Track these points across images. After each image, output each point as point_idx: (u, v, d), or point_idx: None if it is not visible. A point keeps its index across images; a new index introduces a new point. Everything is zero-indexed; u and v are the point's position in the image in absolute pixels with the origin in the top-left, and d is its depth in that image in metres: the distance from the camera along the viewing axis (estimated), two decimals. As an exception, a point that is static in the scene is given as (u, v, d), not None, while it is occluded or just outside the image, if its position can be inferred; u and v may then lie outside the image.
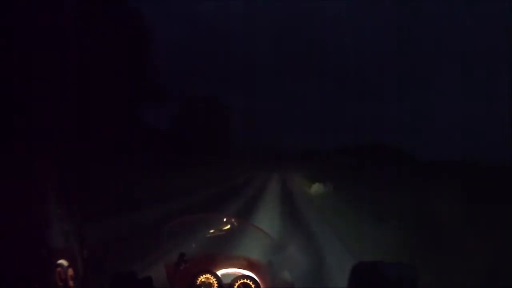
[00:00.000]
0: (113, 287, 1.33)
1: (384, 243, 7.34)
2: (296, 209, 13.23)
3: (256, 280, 1.62)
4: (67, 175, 1.27)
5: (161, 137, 24.44)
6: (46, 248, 1.16)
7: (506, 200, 8.88)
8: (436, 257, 5.88)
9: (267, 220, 9.98)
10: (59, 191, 1.22)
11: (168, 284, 1.54)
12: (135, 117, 21.17)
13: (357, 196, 13.97)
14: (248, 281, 1.61)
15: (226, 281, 1.65)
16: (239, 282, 1.62)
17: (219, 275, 1.66)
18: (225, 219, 1.82)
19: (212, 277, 1.63)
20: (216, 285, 1.62)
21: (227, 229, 1.79)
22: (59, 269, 1.18)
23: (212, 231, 1.81)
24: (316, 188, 20.52)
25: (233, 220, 1.81)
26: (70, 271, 1.21)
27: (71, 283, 1.21)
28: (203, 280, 1.63)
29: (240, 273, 1.68)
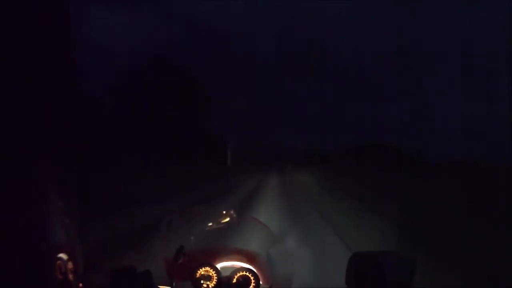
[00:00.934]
0: (113, 281, 1.34)
1: (384, 241, 7.37)
2: (296, 207, 13.25)
3: (255, 273, 1.64)
4: (66, 174, 1.27)
5: (161, 137, 24.42)
6: (45, 243, 1.17)
7: (507, 200, 8.88)
8: (435, 256, 5.88)
9: (266, 218, 10.00)
10: (59, 188, 1.23)
11: (167, 277, 1.55)
12: (134, 117, 21.16)
13: (357, 195, 13.97)
14: (248, 274, 1.63)
15: (226, 273, 1.66)
16: (238, 274, 1.63)
17: (219, 268, 1.67)
18: (224, 212, 1.83)
19: (211, 270, 1.64)
20: (216, 278, 1.63)
21: (226, 222, 1.80)
22: (59, 262, 1.20)
23: (211, 224, 1.82)
24: (316, 187, 20.59)
25: (232, 213, 1.82)
26: (70, 265, 1.23)
27: (71, 276, 1.23)
28: (202, 273, 1.64)
29: (239, 266, 1.70)
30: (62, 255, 1.21)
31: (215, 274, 1.64)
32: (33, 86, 1.18)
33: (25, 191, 1.12)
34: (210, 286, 1.61)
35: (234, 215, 1.82)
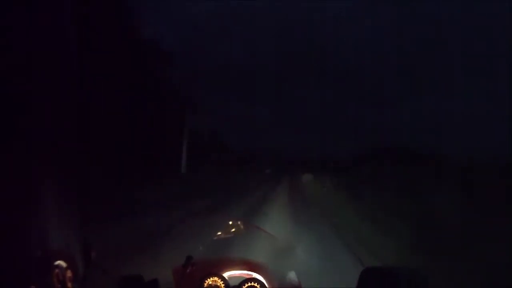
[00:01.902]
0: None
1: (390, 247, 7.27)
2: (302, 212, 13.17)
3: (264, 283, 1.63)
4: (67, 175, 1.26)
5: (166, 139, 24.40)
6: (43, 249, 1.14)
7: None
8: (438, 257, 5.86)
9: (273, 222, 9.95)
10: (59, 191, 1.22)
11: (174, 286, 1.55)
12: (136, 118, 21.14)
13: (361, 197, 13.88)
14: (255, 284, 1.62)
15: (233, 283, 1.66)
16: (246, 285, 1.62)
17: (226, 278, 1.67)
18: (231, 222, 1.84)
19: (219, 280, 1.64)
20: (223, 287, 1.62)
21: (234, 231, 1.81)
22: (57, 270, 1.16)
23: (218, 234, 1.83)
24: (320, 189, 20.46)
25: (239, 223, 1.83)
26: (69, 273, 1.20)
27: (69, 284, 1.19)
28: (210, 283, 1.63)
29: (247, 275, 1.70)
30: (61, 263, 1.18)
31: (223, 284, 1.64)
32: (33, 86, 1.17)
33: (23, 193, 1.11)
34: None
35: (241, 225, 1.83)
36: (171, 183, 18.92)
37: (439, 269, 5.47)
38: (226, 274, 1.70)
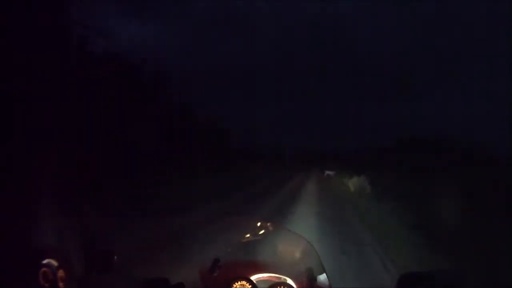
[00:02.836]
0: None
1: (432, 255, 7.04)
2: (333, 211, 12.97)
3: (293, 287, 1.59)
4: (66, 175, 1.26)
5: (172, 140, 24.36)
6: (29, 248, 1.12)
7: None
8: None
9: (302, 221, 9.83)
10: (57, 192, 1.21)
11: None
12: (137, 118, 21.13)
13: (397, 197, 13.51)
14: None
15: (262, 287, 1.62)
16: None
17: (255, 282, 1.63)
18: (259, 224, 1.79)
19: (247, 284, 1.59)
20: None
21: (262, 233, 1.76)
22: (44, 269, 1.12)
23: (247, 236, 1.78)
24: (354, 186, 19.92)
25: (268, 224, 1.78)
26: (61, 272, 1.16)
27: (61, 284, 1.16)
28: (238, 286, 1.59)
29: (276, 279, 1.65)
30: (51, 261, 1.15)
31: None
32: (33, 86, 1.17)
33: (19, 193, 1.11)
34: None
35: (270, 227, 1.78)
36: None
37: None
38: (254, 278, 1.65)
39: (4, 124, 1.07)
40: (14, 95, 1.12)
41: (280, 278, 1.65)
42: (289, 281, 1.62)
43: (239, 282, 1.59)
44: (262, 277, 1.68)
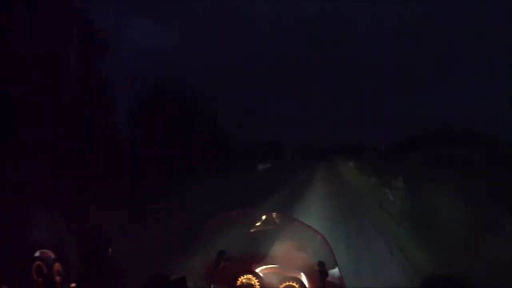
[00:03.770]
0: (148, 287, 1.29)
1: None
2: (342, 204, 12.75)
3: (303, 283, 1.52)
4: (66, 173, 1.26)
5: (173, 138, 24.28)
6: (21, 242, 1.12)
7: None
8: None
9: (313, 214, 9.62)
10: (56, 189, 1.21)
11: (205, 284, 1.47)
12: (136, 117, 21.11)
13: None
14: (294, 284, 1.52)
15: (270, 281, 1.56)
16: (283, 285, 1.52)
17: (262, 276, 1.57)
18: (267, 216, 1.72)
19: (254, 278, 1.54)
20: (258, 286, 1.53)
21: (270, 226, 1.70)
22: (38, 262, 1.12)
23: (254, 228, 1.72)
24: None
25: (275, 216, 1.71)
26: (57, 266, 1.16)
27: (58, 278, 1.16)
28: (244, 281, 1.54)
29: (284, 274, 1.58)
30: (47, 253, 1.15)
31: (258, 283, 1.53)
32: (33, 86, 1.18)
33: (19, 190, 1.11)
34: None
35: (278, 219, 1.72)
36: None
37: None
38: (261, 271, 1.59)
39: (4, 124, 1.08)
40: (14, 95, 1.12)
41: (289, 271, 1.59)
42: (299, 275, 1.56)
43: (245, 276, 1.54)
44: (269, 270, 1.64)
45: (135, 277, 1.38)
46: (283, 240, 1.66)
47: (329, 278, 1.49)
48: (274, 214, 1.72)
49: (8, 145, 1.06)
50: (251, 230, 1.71)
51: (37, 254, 1.11)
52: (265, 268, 1.62)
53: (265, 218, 1.73)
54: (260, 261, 1.62)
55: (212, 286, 1.44)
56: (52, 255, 1.14)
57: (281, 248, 1.66)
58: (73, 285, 1.22)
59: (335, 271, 1.55)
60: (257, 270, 1.56)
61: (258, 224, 1.72)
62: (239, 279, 1.53)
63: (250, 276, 1.54)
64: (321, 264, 1.51)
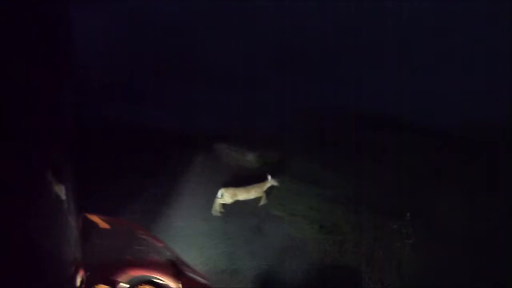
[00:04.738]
0: None
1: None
2: None
3: (160, 284, 1.60)
4: (66, 171, 1.26)
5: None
6: (49, 241, 1.16)
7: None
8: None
9: None
10: (59, 185, 1.22)
11: None
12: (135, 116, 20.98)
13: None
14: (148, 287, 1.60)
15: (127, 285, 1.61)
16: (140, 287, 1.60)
17: (120, 283, 1.61)
18: (120, 225, 1.76)
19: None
20: None
21: (126, 233, 1.74)
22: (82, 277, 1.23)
23: (107, 236, 1.75)
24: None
25: (126, 227, 1.76)
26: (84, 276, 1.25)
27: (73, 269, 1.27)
28: None
29: (142, 277, 1.66)
30: (68, 251, 1.22)
31: None
32: (33, 85, 1.18)
33: (25, 190, 1.12)
34: None
35: (129, 230, 1.77)
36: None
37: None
38: (121, 278, 1.64)
39: (4, 123, 1.08)
40: (14, 94, 1.13)
41: (148, 273, 1.66)
42: (157, 279, 1.64)
43: (98, 286, 1.57)
44: (130, 276, 1.67)
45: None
46: (135, 247, 1.70)
47: (191, 275, 1.56)
48: (125, 226, 1.75)
49: (8, 144, 1.06)
50: (105, 238, 1.72)
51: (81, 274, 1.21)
52: (124, 274, 1.67)
53: (117, 228, 1.78)
54: (119, 268, 1.66)
55: None
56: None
57: (134, 252, 1.69)
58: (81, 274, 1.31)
59: (195, 270, 1.70)
60: (115, 277, 1.60)
61: (112, 232, 1.75)
62: None
63: (103, 286, 1.58)
64: (172, 263, 1.63)
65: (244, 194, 5.43)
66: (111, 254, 1.73)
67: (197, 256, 4.19)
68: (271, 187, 5.77)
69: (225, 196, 5.20)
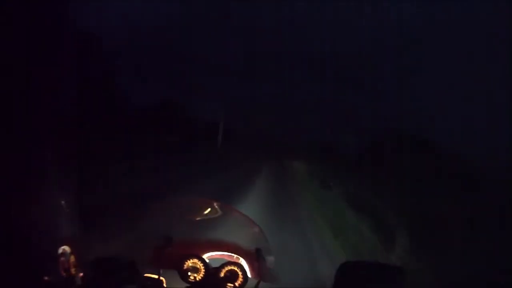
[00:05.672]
0: (96, 271, 1.30)
1: (377, 237, 7.23)
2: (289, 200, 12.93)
3: (243, 267, 1.61)
4: (67, 169, 1.27)
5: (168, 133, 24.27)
6: (48, 238, 1.15)
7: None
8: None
9: (257, 208, 9.77)
10: (60, 184, 1.23)
11: (152, 268, 1.51)
12: (135, 111, 21.11)
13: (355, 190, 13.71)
14: (235, 268, 1.59)
15: (214, 266, 1.63)
16: (226, 268, 1.60)
17: (207, 260, 1.64)
18: (212, 204, 1.82)
19: (199, 262, 1.60)
20: (203, 270, 1.59)
21: (215, 214, 1.80)
22: (62, 258, 1.17)
23: (200, 215, 1.81)
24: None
25: (219, 205, 1.82)
26: (72, 258, 1.20)
27: (73, 270, 1.20)
28: (190, 264, 1.59)
29: (227, 259, 1.68)
30: (65, 249, 1.19)
31: (203, 267, 1.59)
32: (33, 85, 1.19)
33: (25, 187, 1.13)
34: (197, 279, 1.57)
35: (222, 209, 1.82)
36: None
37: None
38: (206, 256, 1.66)
39: (4, 123, 1.09)
40: (14, 93, 1.13)
41: (233, 256, 1.68)
42: (241, 260, 1.65)
43: (191, 260, 1.60)
44: (214, 255, 1.70)
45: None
46: (226, 227, 1.77)
47: (266, 264, 1.60)
48: (218, 204, 1.82)
49: (8, 144, 1.07)
50: (197, 217, 1.80)
51: (61, 250, 1.17)
52: (210, 253, 1.70)
53: (210, 207, 1.83)
54: (205, 246, 1.70)
55: (160, 270, 1.48)
56: (69, 250, 1.19)
57: (224, 234, 1.77)
58: (81, 274, 1.26)
59: (270, 258, 1.68)
60: (202, 254, 1.64)
61: (204, 211, 1.82)
62: (186, 263, 1.59)
63: (195, 260, 1.60)
64: (259, 251, 1.64)
65: None
66: (203, 234, 1.76)
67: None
68: None
69: None
